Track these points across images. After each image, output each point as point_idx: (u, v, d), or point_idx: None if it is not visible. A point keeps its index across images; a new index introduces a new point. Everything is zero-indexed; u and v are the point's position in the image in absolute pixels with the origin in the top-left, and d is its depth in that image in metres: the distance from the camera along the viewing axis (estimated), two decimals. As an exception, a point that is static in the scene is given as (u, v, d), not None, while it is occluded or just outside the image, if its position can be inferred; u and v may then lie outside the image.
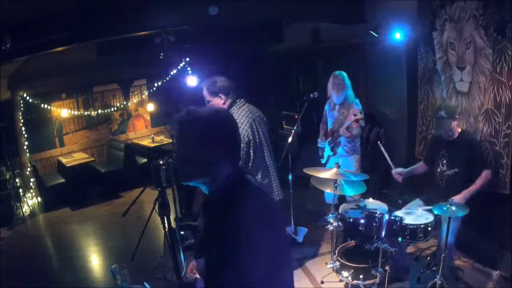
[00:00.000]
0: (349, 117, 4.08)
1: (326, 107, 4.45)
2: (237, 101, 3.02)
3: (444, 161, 3.28)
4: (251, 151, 2.93)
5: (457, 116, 3.25)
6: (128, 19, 4.14)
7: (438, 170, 3.32)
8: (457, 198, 2.99)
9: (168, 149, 7.05)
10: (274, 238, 1.27)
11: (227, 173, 1.36)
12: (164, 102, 7.95)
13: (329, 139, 4.29)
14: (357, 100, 4.16)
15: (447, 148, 3.27)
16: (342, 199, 4.07)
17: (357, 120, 3.79)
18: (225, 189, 1.33)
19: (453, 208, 2.74)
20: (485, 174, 3.12)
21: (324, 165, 4.39)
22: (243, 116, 2.95)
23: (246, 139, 2.88)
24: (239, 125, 2.82)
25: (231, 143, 1.38)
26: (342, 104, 4.17)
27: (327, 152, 4.38)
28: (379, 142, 3.65)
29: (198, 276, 1.49)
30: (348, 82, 4.11)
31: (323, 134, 4.47)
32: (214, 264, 1.22)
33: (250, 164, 2.94)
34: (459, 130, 3.27)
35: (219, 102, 2.98)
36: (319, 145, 4.51)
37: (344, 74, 4.14)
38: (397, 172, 3.55)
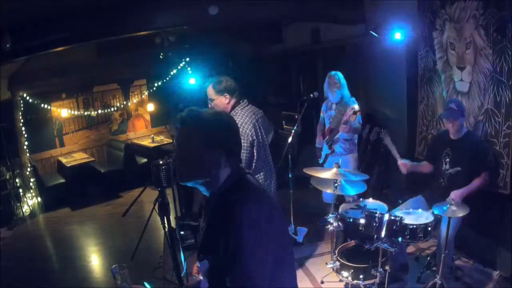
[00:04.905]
0: (347, 114, 4.11)
1: (323, 108, 4.47)
2: (241, 101, 3.04)
3: (448, 160, 3.28)
4: (255, 151, 2.94)
5: (464, 114, 3.24)
6: (128, 19, 4.13)
7: (442, 168, 3.33)
8: (455, 194, 2.99)
9: (168, 149, 7.06)
10: (277, 237, 1.28)
11: (227, 174, 1.36)
12: (164, 102, 7.97)
13: (327, 137, 4.31)
14: (353, 99, 4.20)
15: (451, 146, 3.27)
16: (341, 199, 4.07)
17: (355, 113, 3.81)
18: (226, 190, 1.33)
19: (453, 208, 2.74)
20: (483, 175, 3.12)
21: (322, 164, 4.40)
22: (246, 116, 2.96)
23: (250, 138, 2.89)
24: (243, 124, 2.84)
25: (232, 146, 1.39)
26: (339, 103, 4.21)
27: (325, 150, 4.39)
28: (383, 130, 3.63)
29: (201, 277, 1.49)
30: (343, 81, 4.16)
31: (320, 134, 4.48)
32: (223, 264, 1.22)
33: (254, 164, 2.95)
34: (465, 130, 3.27)
35: (223, 101, 2.99)
36: (317, 145, 4.52)
37: (340, 74, 4.18)
38: (403, 163, 3.53)
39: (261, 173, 3.02)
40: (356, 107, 3.83)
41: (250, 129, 2.90)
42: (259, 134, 2.99)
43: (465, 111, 3.41)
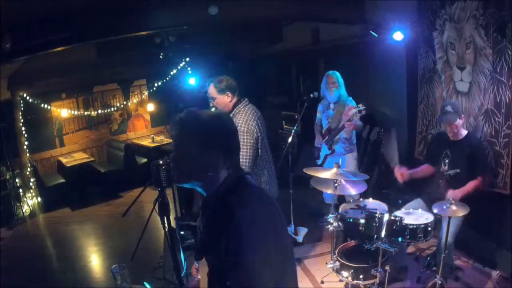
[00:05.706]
0: (346, 113, 4.13)
1: (319, 108, 4.48)
2: (242, 100, 3.05)
3: (447, 161, 3.27)
4: (259, 148, 2.95)
5: (462, 115, 3.22)
6: (128, 19, 4.13)
7: (441, 169, 3.32)
8: (452, 193, 2.99)
9: (168, 149, 7.05)
10: (277, 236, 1.28)
11: (226, 175, 1.36)
12: (164, 102, 7.97)
13: (327, 137, 4.31)
14: (351, 98, 4.23)
15: (451, 148, 3.26)
16: (341, 199, 4.07)
17: (359, 111, 3.86)
18: (225, 191, 1.33)
19: (453, 207, 2.74)
20: (481, 178, 3.10)
21: (321, 165, 4.40)
22: (250, 113, 2.97)
23: (255, 135, 2.89)
24: (247, 121, 2.86)
25: (231, 146, 1.38)
26: (336, 103, 4.24)
27: (324, 151, 4.38)
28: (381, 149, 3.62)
29: (200, 277, 1.50)
30: (341, 80, 4.20)
31: (319, 135, 4.48)
32: (223, 264, 1.22)
33: (258, 161, 2.95)
34: (465, 132, 3.26)
35: (225, 100, 3.00)
36: (316, 145, 4.53)
37: (337, 73, 4.21)
38: (400, 172, 3.40)
39: (264, 172, 3.02)
40: (361, 106, 3.87)
41: (254, 125, 2.91)
42: (261, 132, 3.00)
43: (464, 111, 3.39)
